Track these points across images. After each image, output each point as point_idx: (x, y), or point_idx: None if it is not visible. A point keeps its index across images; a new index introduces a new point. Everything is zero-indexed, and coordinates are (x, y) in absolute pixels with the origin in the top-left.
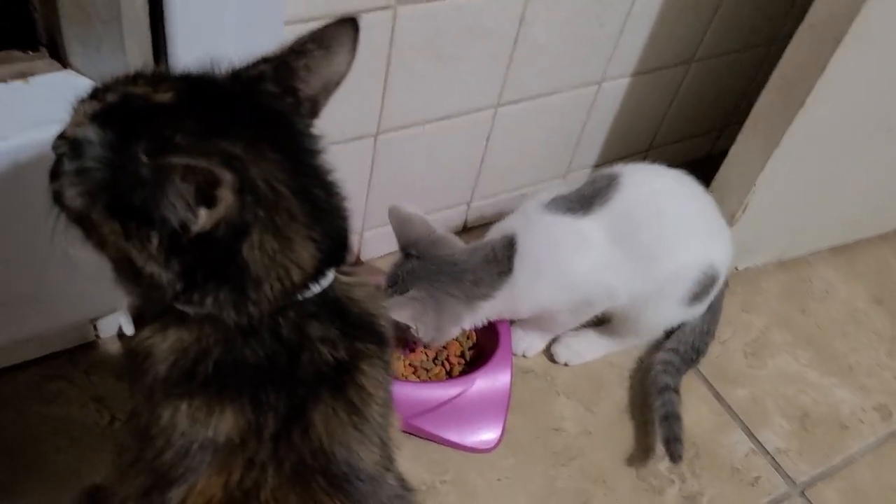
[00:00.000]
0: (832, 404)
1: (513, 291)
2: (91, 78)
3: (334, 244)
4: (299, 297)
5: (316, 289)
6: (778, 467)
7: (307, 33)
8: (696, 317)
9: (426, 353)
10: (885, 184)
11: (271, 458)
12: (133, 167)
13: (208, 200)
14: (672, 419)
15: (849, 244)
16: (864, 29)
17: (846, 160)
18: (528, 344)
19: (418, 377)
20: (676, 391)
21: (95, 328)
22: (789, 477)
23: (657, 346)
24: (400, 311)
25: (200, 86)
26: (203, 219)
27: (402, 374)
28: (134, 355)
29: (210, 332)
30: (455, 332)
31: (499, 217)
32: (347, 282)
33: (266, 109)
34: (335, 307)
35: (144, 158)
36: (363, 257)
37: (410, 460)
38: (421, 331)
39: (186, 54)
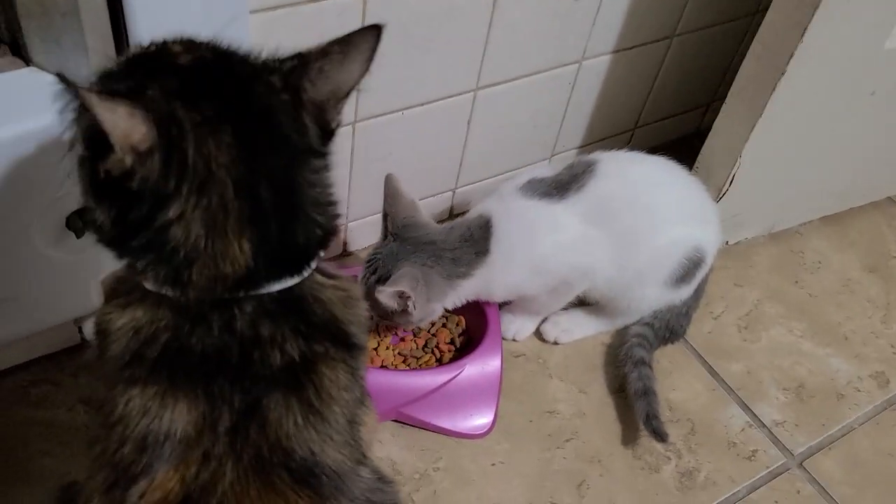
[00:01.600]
0: (828, 374)
1: (490, 273)
2: (54, 73)
3: (281, 249)
4: (242, 293)
5: (272, 287)
6: (775, 440)
7: (339, 36)
8: (684, 298)
9: (416, 342)
10: (873, 150)
11: (228, 451)
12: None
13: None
14: (650, 395)
15: (840, 213)
16: None
17: (832, 127)
18: (517, 328)
19: (408, 366)
20: (650, 366)
21: (80, 330)
22: (787, 449)
23: None
24: (399, 282)
25: (218, 61)
26: (116, 155)
27: (392, 363)
28: (97, 332)
29: (164, 316)
30: (439, 310)
31: None
32: (321, 282)
33: (255, 100)
34: (295, 307)
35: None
36: (349, 248)
37: (403, 449)
38: (417, 304)
39: None
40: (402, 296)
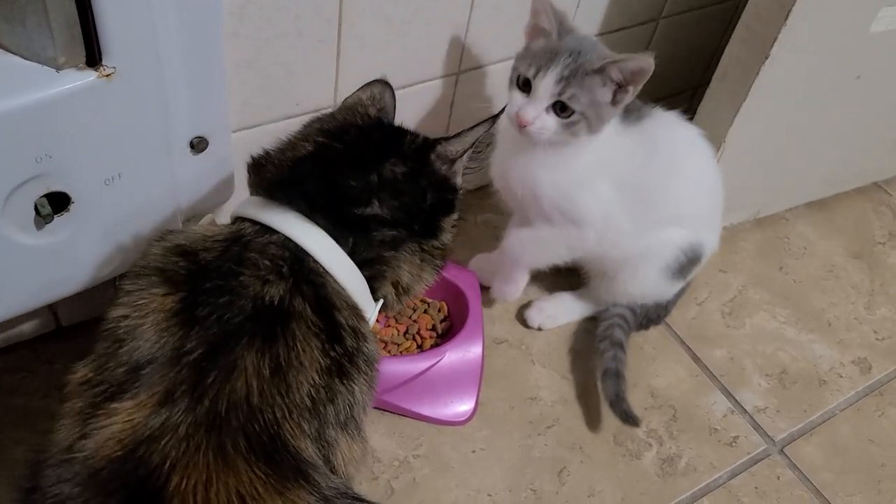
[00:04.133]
0: (811, 360)
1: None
2: (19, 54)
3: (327, 162)
4: (282, 192)
5: (301, 221)
6: (757, 426)
7: None
8: (672, 294)
9: (397, 328)
10: (859, 135)
11: (189, 389)
12: None
13: None
14: (620, 378)
15: (826, 199)
16: None
17: (817, 112)
18: (511, 288)
19: (388, 352)
20: (625, 350)
21: (56, 316)
22: (768, 435)
23: None
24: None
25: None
26: None
27: None
28: None
29: (226, 230)
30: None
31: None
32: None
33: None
34: (304, 267)
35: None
36: None
37: (383, 436)
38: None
39: (116, 23)
40: (626, 82)
